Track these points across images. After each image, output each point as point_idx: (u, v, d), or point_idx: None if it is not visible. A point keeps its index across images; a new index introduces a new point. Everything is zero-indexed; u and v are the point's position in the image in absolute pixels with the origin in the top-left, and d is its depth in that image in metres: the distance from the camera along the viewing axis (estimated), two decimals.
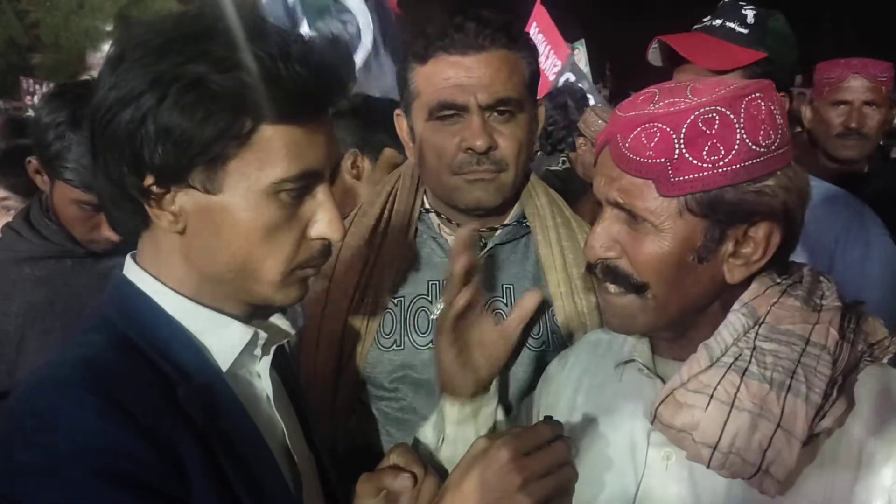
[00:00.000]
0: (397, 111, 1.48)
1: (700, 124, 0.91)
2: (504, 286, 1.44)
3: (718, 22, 1.68)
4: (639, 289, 0.97)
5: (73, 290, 1.75)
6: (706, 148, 0.91)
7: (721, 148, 0.91)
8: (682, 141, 0.91)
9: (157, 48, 0.84)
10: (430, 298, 1.43)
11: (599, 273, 1.01)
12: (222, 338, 0.93)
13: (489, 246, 1.45)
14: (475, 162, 1.34)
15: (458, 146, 1.34)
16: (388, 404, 1.44)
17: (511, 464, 0.88)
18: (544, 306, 1.42)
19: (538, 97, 1.46)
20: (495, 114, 1.34)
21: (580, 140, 3.67)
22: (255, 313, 0.98)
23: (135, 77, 0.83)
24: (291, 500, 0.95)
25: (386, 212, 1.48)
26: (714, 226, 0.94)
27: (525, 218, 1.48)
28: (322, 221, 0.91)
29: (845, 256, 1.78)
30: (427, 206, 1.49)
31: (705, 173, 0.91)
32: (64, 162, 1.67)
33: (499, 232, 1.46)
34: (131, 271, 0.94)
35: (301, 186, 0.89)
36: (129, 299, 0.92)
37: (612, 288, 1.00)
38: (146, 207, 0.88)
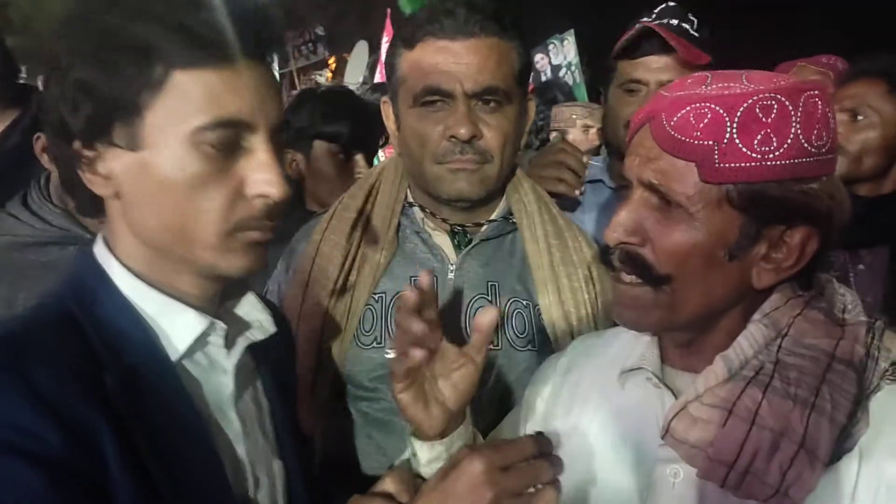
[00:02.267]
0: (384, 98, 1.44)
1: (757, 110, 0.85)
2: (489, 283, 1.41)
3: (675, 21, 1.70)
4: (658, 281, 0.91)
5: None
6: (759, 136, 0.85)
7: (774, 139, 0.85)
8: (734, 125, 0.85)
9: (77, 12, 0.84)
10: None
11: (617, 260, 0.95)
12: (175, 325, 0.89)
13: (474, 242, 1.41)
14: (459, 151, 1.31)
15: (442, 134, 1.31)
16: (368, 405, 1.40)
17: (483, 476, 0.84)
18: (531, 304, 1.39)
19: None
20: (481, 103, 1.31)
21: (554, 134, 3.68)
22: (217, 296, 0.93)
23: (57, 43, 0.83)
24: (229, 500, 0.90)
25: (368, 205, 1.44)
26: (751, 222, 0.88)
27: (511, 214, 1.44)
28: (259, 178, 0.86)
29: None
30: (410, 199, 1.45)
31: (753, 163, 0.85)
32: None
33: (484, 227, 1.43)
34: (97, 247, 0.92)
35: (226, 138, 0.84)
36: (85, 275, 0.90)
37: (627, 277, 0.94)
38: (80, 175, 0.86)
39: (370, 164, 2.29)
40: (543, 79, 5.33)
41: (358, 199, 1.45)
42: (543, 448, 0.88)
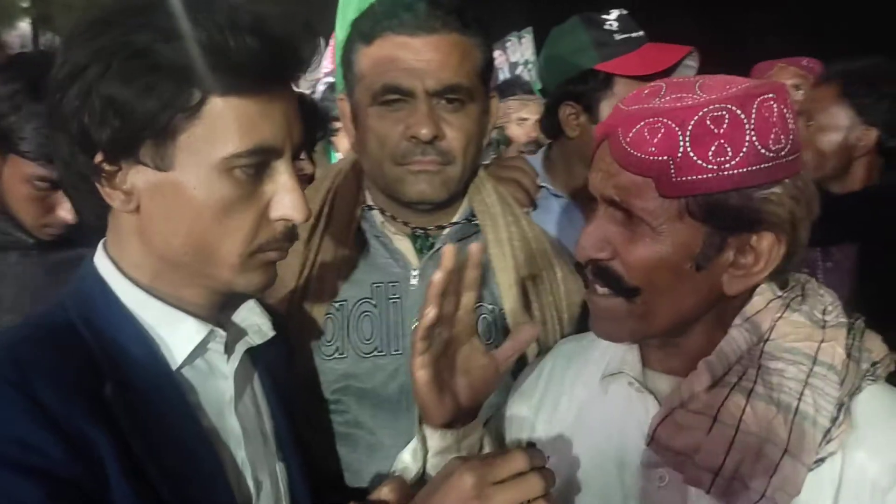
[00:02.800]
0: (340, 95, 1.38)
1: (708, 122, 0.85)
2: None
3: (640, 33, 1.71)
4: (629, 293, 0.91)
5: (19, 285, 1.60)
6: (713, 148, 0.85)
7: (728, 149, 0.85)
8: (687, 139, 0.85)
9: (102, 21, 0.82)
10: (374, 302, 1.34)
11: (590, 274, 0.95)
12: (175, 333, 0.89)
13: (437, 246, 1.36)
14: (420, 152, 1.25)
15: (403, 134, 1.25)
16: (330, 418, 1.34)
17: (473, 490, 0.83)
18: (496, 308, 1.36)
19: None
20: (443, 101, 1.25)
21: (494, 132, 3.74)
22: (221, 304, 0.93)
23: (80, 52, 0.81)
24: None
25: (325, 209, 1.36)
26: (715, 232, 0.88)
27: (474, 216, 1.39)
28: (283, 201, 0.87)
29: None
30: (370, 202, 1.38)
31: (710, 175, 0.85)
32: (20, 133, 1.53)
33: (447, 230, 1.37)
34: (98, 257, 0.91)
35: (257, 163, 0.85)
36: (86, 286, 0.90)
37: (600, 290, 0.94)
38: (98, 187, 0.84)
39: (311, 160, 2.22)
40: (501, 76, 5.34)
41: (314, 203, 1.35)
42: (535, 461, 0.86)
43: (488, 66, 1.32)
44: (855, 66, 2.13)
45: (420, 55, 1.23)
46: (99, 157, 0.83)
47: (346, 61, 1.33)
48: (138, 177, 0.84)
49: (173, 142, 0.82)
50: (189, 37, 0.80)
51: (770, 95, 0.87)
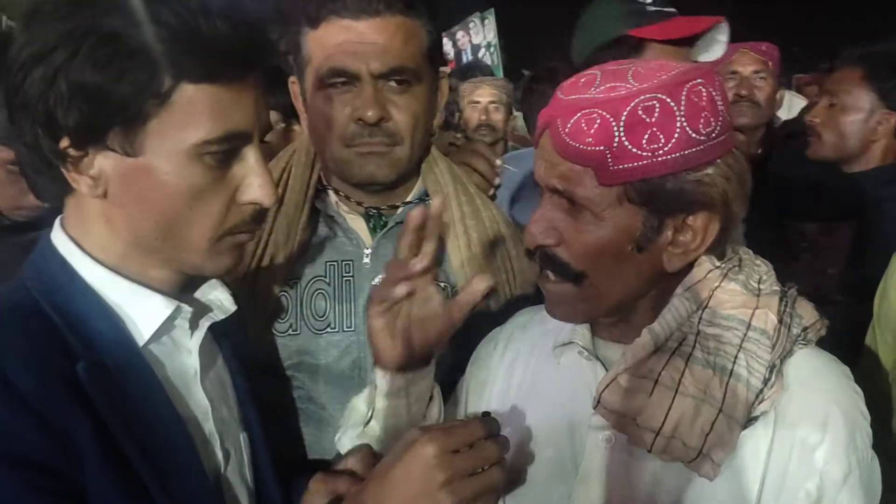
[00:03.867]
0: (292, 78, 1.39)
1: (640, 112, 0.89)
2: None
3: (673, 9, 1.71)
4: (576, 277, 0.96)
5: None
6: (646, 136, 0.89)
7: (661, 136, 0.89)
8: (621, 129, 0.89)
9: (70, 1, 0.79)
10: (327, 280, 1.36)
11: (538, 260, 0.99)
12: (141, 311, 0.90)
13: (390, 225, 1.39)
14: (367, 134, 1.27)
15: (350, 116, 1.27)
16: (284, 393, 1.37)
17: (435, 459, 0.86)
18: (449, 286, 1.38)
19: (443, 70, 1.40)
20: (390, 83, 1.27)
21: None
22: (186, 284, 0.94)
23: (46, 32, 0.79)
24: (203, 479, 0.92)
25: (280, 189, 1.37)
26: (653, 215, 0.93)
27: (427, 195, 1.42)
28: (252, 185, 0.88)
29: None
30: (325, 182, 1.41)
31: (645, 162, 0.90)
32: None
33: (400, 210, 1.40)
34: (56, 236, 0.90)
35: (227, 149, 0.85)
36: (48, 265, 0.89)
37: (551, 276, 0.98)
38: (63, 172, 0.84)
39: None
40: (464, 58, 5.35)
41: None
42: (491, 429, 0.91)
43: (436, 46, 1.34)
44: (879, 49, 2.19)
45: (364, 38, 1.25)
46: (65, 143, 0.82)
47: (294, 44, 1.33)
48: (106, 162, 0.84)
49: (143, 128, 0.81)
50: (161, 22, 0.79)
51: (699, 81, 0.92)
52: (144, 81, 0.79)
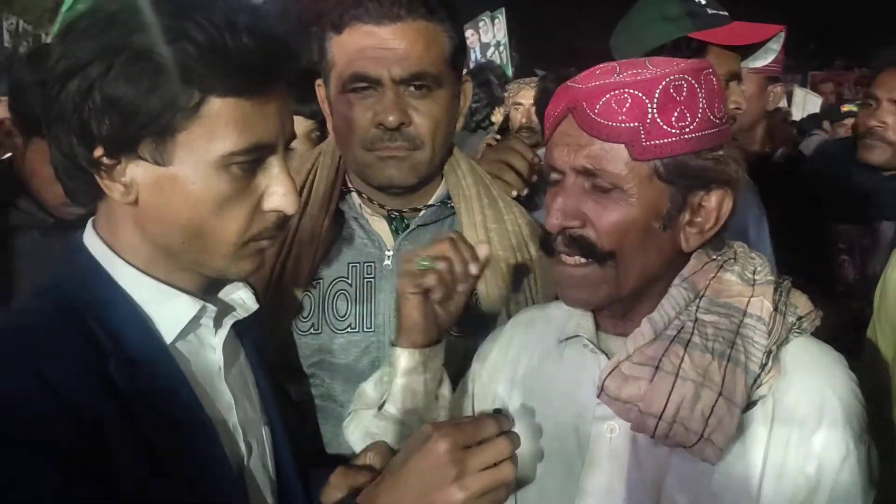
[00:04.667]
0: (318, 81, 1.42)
1: (671, 90, 0.94)
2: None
3: (726, 13, 1.74)
4: (603, 257, 0.99)
5: (40, 263, 1.63)
6: (675, 114, 0.94)
7: (688, 115, 0.95)
8: (654, 106, 0.94)
9: (104, 18, 0.84)
10: (349, 281, 1.40)
11: (560, 244, 1.01)
12: (169, 310, 0.93)
13: (412, 227, 1.41)
14: (387, 138, 1.30)
15: (371, 121, 1.29)
16: (304, 391, 1.40)
17: (448, 455, 0.89)
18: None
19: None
20: (411, 88, 1.29)
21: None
22: (210, 285, 0.97)
23: (81, 47, 0.83)
24: (228, 471, 0.95)
25: (304, 190, 1.41)
26: (678, 192, 0.97)
27: (450, 198, 1.44)
28: (276, 194, 0.92)
29: (744, 221, 1.93)
30: (349, 185, 1.44)
31: (673, 139, 0.94)
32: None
33: (422, 213, 1.42)
34: (88, 237, 0.95)
35: (252, 159, 0.89)
36: (80, 265, 0.93)
37: (570, 260, 1.01)
38: (97, 179, 0.87)
39: None
40: (473, 56, 5.36)
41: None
42: (503, 426, 0.94)
43: (458, 51, 1.36)
44: None
45: (386, 44, 1.27)
46: (99, 152, 0.86)
47: (319, 49, 1.36)
48: (137, 170, 0.87)
49: (172, 139, 0.85)
50: (189, 38, 0.82)
51: (710, 70, 0.98)
52: (174, 96, 0.83)
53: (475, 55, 5.68)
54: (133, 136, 0.84)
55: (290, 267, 1.38)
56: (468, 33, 5.58)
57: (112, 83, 0.82)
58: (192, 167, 0.86)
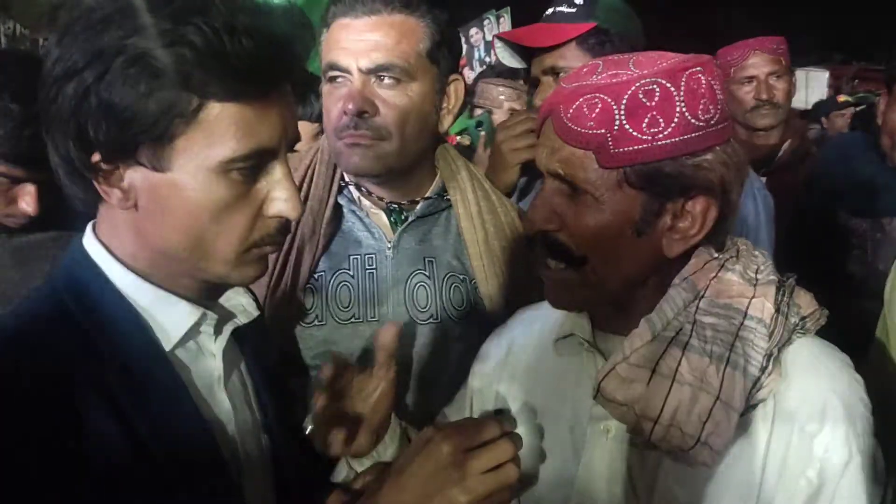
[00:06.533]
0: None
1: (640, 96, 0.91)
2: (426, 259, 1.45)
3: (551, 10, 1.76)
4: (577, 262, 0.97)
5: None
6: (646, 120, 0.90)
7: (661, 120, 0.90)
8: (622, 112, 0.91)
9: (100, 20, 0.81)
10: (351, 273, 1.43)
11: (539, 246, 1.00)
12: (168, 316, 0.92)
13: (410, 219, 1.45)
14: (353, 126, 1.32)
15: (341, 109, 1.33)
16: (309, 382, 1.41)
17: (450, 458, 0.88)
18: (468, 279, 1.44)
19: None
20: (381, 79, 1.32)
21: (478, 111, 3.69)
22: (210, 291, 0.96)
23: (77, 50, 0.81)
24: (227, 480, 0.94)
25: (304, 185, 1.45)
26: (652, 199, 0.94)
27: (446, 191, 1.47)
28: (279, 199, 0.89)
29: (742, 209, 1.93)
30: (347, 178, 1.46)
31: (645, 145, 0.91)
32: None
33: (420, 205, 1.46)
34: (88, 240, 0.93)
35: (253, 165, 0.86)
36: (78, 269, 0.91)
37: (551, 263, 0.99)
38: (95, 185, 0.86)
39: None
40: (477, 54, 5.33)
41: (295, 179, 1.45)
42: (505, 427, 0.93)
43: (440, 46, 1.37)
44: None
45: (359, 35, 1.32)
46: (96, 157, 0.84)
47: (319, 47, 1.41)
48: (136, 176, 0.85)
49: (171, 145, 0.83)
50: (186, 42, 0.80)
51: (698, 69, 0.93)
52: (171, 101, 0.81)
53: (479, 53, 5.65)
54: (130, 141, 0.82)
55: (291, 261, 1.40)
56: (472, 31, 5.55)
57: (107, 88, 0.79)
58: (192, 173, 0.84)
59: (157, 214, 0.87)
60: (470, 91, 3.82)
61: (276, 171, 0.89)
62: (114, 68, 0.79)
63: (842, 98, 5.63)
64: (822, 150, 2.71)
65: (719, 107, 0.93)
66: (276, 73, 0.86)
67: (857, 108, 5.19)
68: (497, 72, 4.09)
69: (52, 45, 0.84)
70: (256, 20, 0.83)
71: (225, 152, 0.84)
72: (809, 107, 6.09)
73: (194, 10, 0.81)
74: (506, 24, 5.59)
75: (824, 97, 6.39)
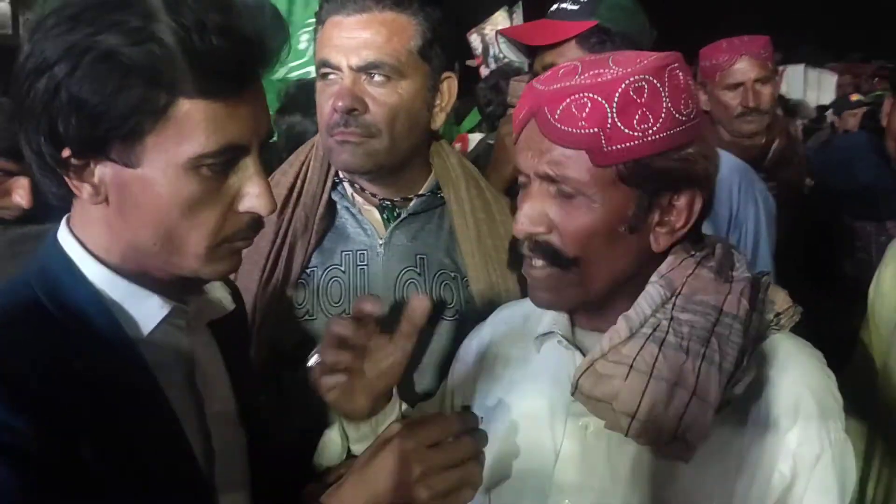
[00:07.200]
0: None
1: (631, 93, 0.92)
2: (418, 256, 1.45)
3: (555, 7, 1.76)
4: (568, 263, 0.97)
5: None
6: (637, 116, 0.92)
7: (650, 116, 0.92)
8: (614, 110, 0.92)
9: (71, 16, 0.82)
10: (342, 268, 1.43)
11: (527, 249, 1.00)
12: (140, 310, 0.92)
13: (403, 216, 1.45)
14: (343, 123, 1.33)
15: (332, 106, 1.34)
16: (298, 376, 1.36)
17: (412, 453, 0.88)
18: (459, 276, 1.44)
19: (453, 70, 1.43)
20: (371, 76, 1.33)
21: (511, 111, 3.70)
22: (186, 286, 0.96)
23: (48, 46, 0.81)
24: (197, 473, 0.94)
25: (299, 181, 1.46)
26: (643, 195, 0.95)
27: (440, 189, 1.48)
28: (250, 195, 0.90)
29: (743, 212, 1.97)
30: (341, 175, 1.47)
31: (636, 142, 0.92)
32: None
33: (413, 202, 1.46)
34: (62, 234, 0.93)
35: (224, 161, 0.87)
36: (52, 261, 0.91)
37: (539, 263, 1.00)
38: (66, 179, 0.86)
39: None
40: (492, 51, 5.33)
41: (289, 176, 1.47)
42: (469, 424, 0.93)
43: (434, 44, 1.37)
44: None
45: (350, 33, 1.32)
46: (66, 152, 0.84)
47: (315, 42, 1.42)
48: (106, 171, 0.85)
49: (141, 141, 0.83)
50: (156, 39, 0.80)
51: (675, 65, 0.95)
52: (141, 98, 0.81)
53: (495, 50, 5.64)
54: (101, 137, 0.82)
55: (284, 256, 1.41)
56: (487, 28, 5.54)
57: (77, 84, 0.80)
58: (162, 169, 0.84)
59: (128, 210, 0.87)
60: (500, 90, 3.83)
61: (248, 167, 0.89)
62: (84, 64, 0.80)
63: (854, 97, 5.57)
64: (825, 153, 2.69)
65: (695, 102, 0.96)
66: (247, 70, 0.87)
67: (868, 108, 5.14)
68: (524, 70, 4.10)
69: (25, 40, 0.84)
70: (227, 18, 0.83)
71: (195, 148, 0.84)
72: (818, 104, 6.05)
73: (165, 8, 0.81)
74: (518, 20, 5.57)
75: (833, 98, 6.34)
